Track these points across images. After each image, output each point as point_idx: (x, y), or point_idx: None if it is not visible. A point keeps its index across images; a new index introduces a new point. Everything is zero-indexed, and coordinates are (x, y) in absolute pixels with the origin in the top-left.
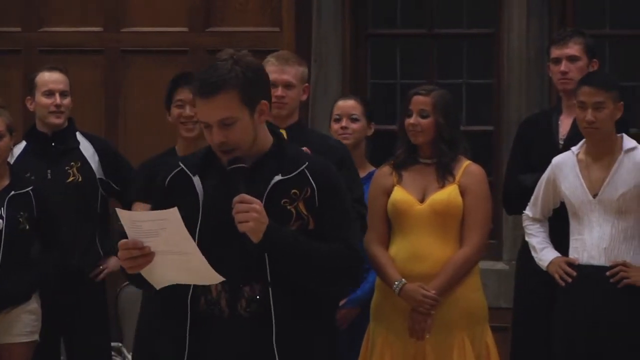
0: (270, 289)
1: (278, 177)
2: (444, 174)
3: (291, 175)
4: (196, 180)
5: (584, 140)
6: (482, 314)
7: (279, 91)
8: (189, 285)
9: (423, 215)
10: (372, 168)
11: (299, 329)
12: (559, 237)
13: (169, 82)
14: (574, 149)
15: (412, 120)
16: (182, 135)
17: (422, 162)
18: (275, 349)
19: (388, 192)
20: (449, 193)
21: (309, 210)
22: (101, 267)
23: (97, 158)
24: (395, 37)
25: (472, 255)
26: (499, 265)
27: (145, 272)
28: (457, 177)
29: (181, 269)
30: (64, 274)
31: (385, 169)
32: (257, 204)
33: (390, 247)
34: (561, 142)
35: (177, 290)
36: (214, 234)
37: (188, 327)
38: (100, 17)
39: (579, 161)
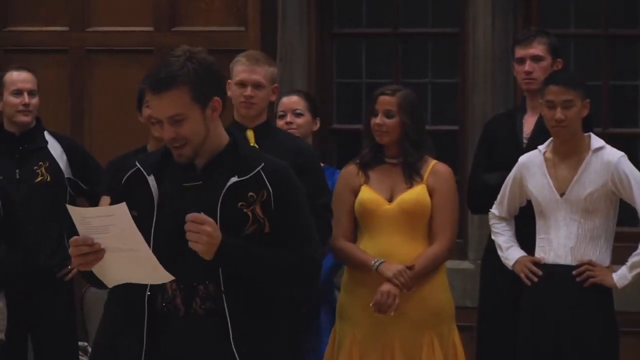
0: (222, 289)
1: (234, 179)
2: (411, 174)
3: (247, 176)
4: (151, 180)
5: (551, 139)
6: (449, 313)
7: (248, 91)
8: (146, 284)
9: (391, 215)
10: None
11: (254, 328)
12: (525, 235)
13: (141, 83)
14: (541, 147)
15: (377, 120)
16: (154, 135)
17: (388, 161)
18: (233, 346)
19: (355, 192)
20: (418, 193)
21: (265, 213)
22: (69, 267)
23: (65, 157)
24: (360, 37)
25: (441, 252)
26: (465, 265)
27: (96, 270)
28: (425, 177)
29: (131, 266)
30: (31, 274)
31: (352, 168)
32: (209, 225)
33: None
34: (525, 141)
35: (135, 289)
36: (168, 234)
37: (146, 326)
38: (65, 16)
39: (546, 160)
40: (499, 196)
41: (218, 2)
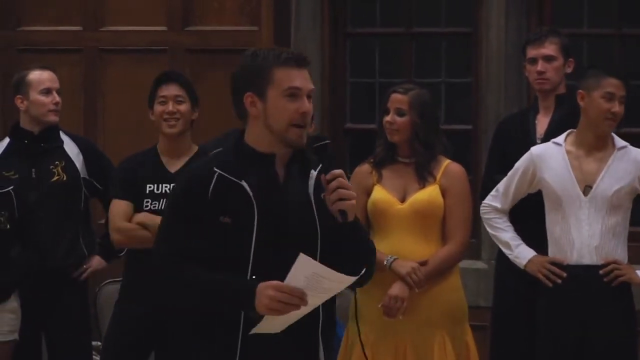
0: None
1: (314, 172)
2: (424, 174)
3: (318, 169)
4: (244, 185)
5: (567, 132)
6: (462, 313)
7: None
8: None
9: (404, 215)
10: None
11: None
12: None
13: (153, 82)
14: (557, 140)
15: (388, 118)
16: (164, 132)
17: (401, 161)
18: (320, 342)
19: (368, 191)
20: (430, 193)
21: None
22: (85, 266)
23: (81, 157)
24: (374, 36)
25: (455, 252)
26: (478, 264)
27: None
28: (438, 177)
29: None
30: (45, 273)
31: (365, 168)
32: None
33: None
34: (538, 141)
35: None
36: (269, 240)
37: (241, 335)
38: (79, 16)
39: (568, 152)
40: (501, 188)
41: (231, 2)
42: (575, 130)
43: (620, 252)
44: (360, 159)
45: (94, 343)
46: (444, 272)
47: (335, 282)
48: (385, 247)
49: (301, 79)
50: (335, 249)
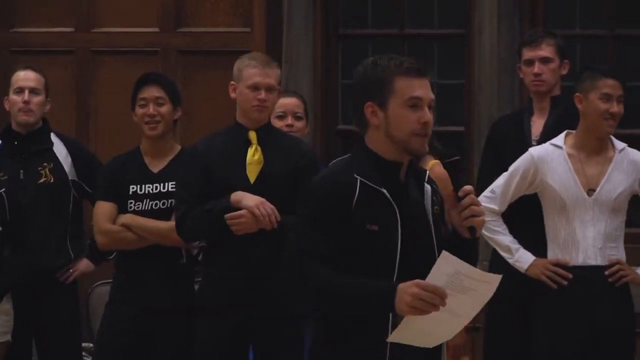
0: None
1: (427, 186)
2: None
3: (426, 182)
4: (385, 192)
5: (565, 134)
6: None
7: (262, 94)
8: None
9: None
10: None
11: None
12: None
13: (134, 83)
14: (556, 142)
15: None
16: (146, 134)
17: None
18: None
19: None
20: None
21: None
22: (71, 269)
23: (70, 160)
24: (366, 37)
25: None
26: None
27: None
28: None
29: (444, 328)
30: (35, 275)
31: None
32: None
33: None
34: (534, 143)
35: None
36: (410, 248)
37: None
38: (71, 17)
39: (570, 156)
40: (498, 190)
41: (223, 3)
42: (572, 131)
43: (621, 254)
44: None
45: (85, 344)
46: None
47: (478, 281)
48: None
49: (422, 88)
50: None
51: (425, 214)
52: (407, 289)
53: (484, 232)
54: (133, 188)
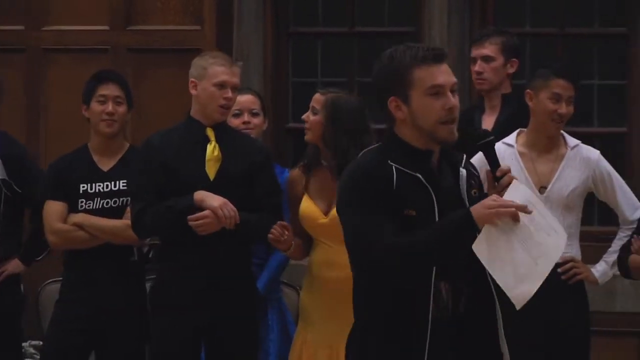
0: (493, 289)
1: (462, 169)
2: None
3: (463, 166)
4: (420, 177)
5: (517, 132)
6: None
7: (229, 93)
8: (429, 291)
9: (328, 228)
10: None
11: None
12: None
13: (90, 78)
14: (508, 140)
15: (304, 115)
16: (102, 131)
17: (323, 163)
18: (501, 345)
19: (299, 200)
20: None
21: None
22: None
23: None
24: (316, 35)
25: None
26: None
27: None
28: None
29: (523, 266)
30: None
31: (296, 173)
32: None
33: (311, 252)
34: None
35: (416, 298)
36: None
37: (429, 333)
38: (21, 15)
39: (521, 154)
40: None
41: (174, 1)
42: (524, 129)
43: (575, 252)
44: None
45: (35, 342)
46: None
47: (549, 223)
48: (321, 255)
49: (442, 74)
50: None
51: (460, 198)
52: (482, 203)
53: None
54: (83, 187)
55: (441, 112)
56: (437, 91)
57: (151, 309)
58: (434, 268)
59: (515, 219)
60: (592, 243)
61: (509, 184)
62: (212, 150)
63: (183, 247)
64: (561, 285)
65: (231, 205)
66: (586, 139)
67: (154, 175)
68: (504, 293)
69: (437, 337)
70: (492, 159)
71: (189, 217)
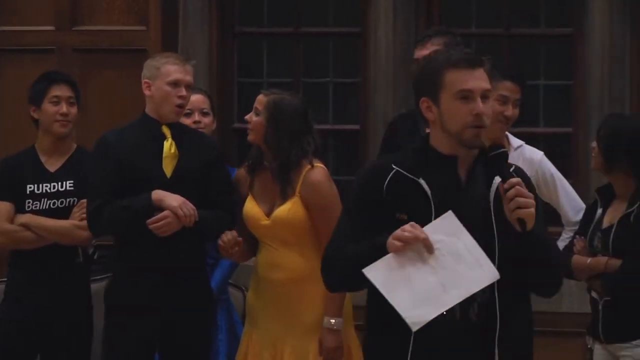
0: (496, 293)
1: (498, 180)
2: (283, 186)
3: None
4: (422, 182)
5: None
6: (345, 316)
7: (183, 91)
8: None
9: (270, 231)
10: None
11: (519, 345)
12: None
13: (40, 78)
14: None
15: (248, 115)
16: (56, 132)
17: (266, 164)
18: (496, 354)
19: (244, 200)
20: (289, 209)
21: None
22: None
23: None
24: (262, 36)
25: None
26: None
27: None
28: (298, 188)
29: (429, 291)
30: None
31: (241, 173)
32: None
33: (257, 253)
34: None
35: None
36: None
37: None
38: None
39: None
40: None
41: (119, 1)
42: None
43: None
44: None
45: None
46: None
47: (474, 258)
48: (266, 257)
49: (473, 79)
50: (522, 264)
51: (485, 209)
52: (395, 231)
53: None
54: (30, 187)
55: (468, 117)
56: (466, 95)
57: (106, 309)
58: None
59: (429, 250)
60: None
61: (515, 196)
62: (168, 147)
63: (139, 246)
64: None
65: (190, 204)
66: (532, 140)
67: (109, 172)
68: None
69: (439, 341)
70: (503, 172)
71: (149, 221)
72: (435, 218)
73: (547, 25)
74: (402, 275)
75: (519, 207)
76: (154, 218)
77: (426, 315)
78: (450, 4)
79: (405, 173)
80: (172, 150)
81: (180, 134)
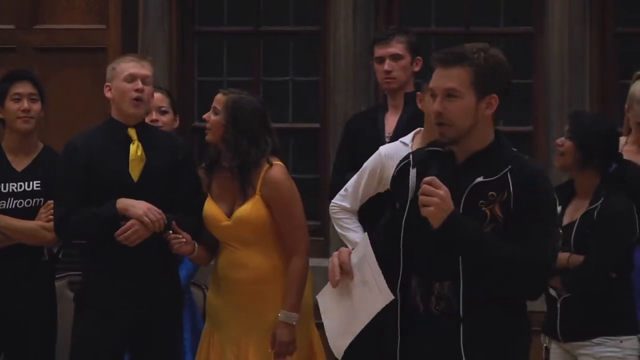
0: (461, 287)
1: (480, 179)
2: (244, 185)
3: (493, 178)
4: (412, 172)
5: (414, 132)
6: (307, 312)
7: (139, 84)
8: (397, 279)
9: (232, 231)
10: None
11: (487, 336)
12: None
13: (3, 78)
14: (405, 140)
15: (205, 115)
16: (19, 128)
17: (224, 164)
18: (462, 350)
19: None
20: (251, 208)
21: (504, 213)
22: None
23: None
24: (221, 35)
25: (303, 263)
26: (326, 262)
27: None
28: (258, 187)
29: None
30: None
31: (200, 173)
32: (443, 190)
33: (217, 254)
34: (387, 139)
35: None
36: (416, 228)
37: (399, 324)
38: None
39: None
40: (350, 188)
41: (79, 0)
42: (422, 128)
43: None
44: None
45: None
46: (304, 284)
47: (375, 281)
48: (225, 255)
49: (436, 78)
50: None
51: (457, 203)
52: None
53: (337, 229)
54: None
55: (434, 115)
56: (432, 93)
57: (76, 309)
58: (401, 261)
59: (349, 277)
60: None
61: (422, 194)
62: (135, 150)
63: (108, 249)
64: None
65: (155, 210)
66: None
67: (76, 180)
68: None
69: (411, 332)
70: (427, 168)
71: (116, 233)
72: (408, 209)
73: (506, 23)
74: (332, 302)
75: (424, 205)
76: (121, 229)
77: (343, 345)
78: (410, 3)
79: (408, 162)
80: (139, 153)
81: (148, 135)
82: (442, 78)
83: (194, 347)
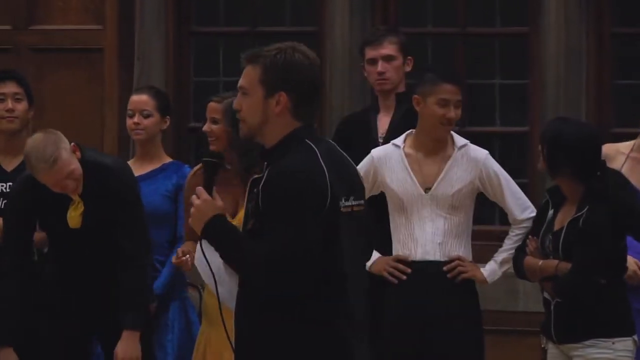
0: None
1: (255, 175)
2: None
3: (263, 175)
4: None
5: (406, 133)
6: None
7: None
8: None
9: None
10: (168, 159)
11: (251, 333)
12: None
13: None
14: (397, 142)
15: (205, 127)
16: (4, 128)
17: (227, 167)
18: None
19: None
20: None
21: (254, 211)
22: None
23: None
24: (218, 35)
25: None
26: None
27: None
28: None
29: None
30: None
31: (193, 181)
32: (201, 200)
33: None
34: (380, 140)
35: None
36: None
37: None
38: None
39: (407, 155)
40: None
41: (76, 1)
42: (414, 130)
43: (464, 251)
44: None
45: None
46: None
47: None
48: None
49: (242, 75)
50: None
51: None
52: None
53: None
54: None
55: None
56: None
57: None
58: None
59: None
60: (494, 242)
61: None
62: (75, 207)
63: (58, 263)
64: (444, 283)
65: None
66: (488, 139)
67: (17, 222)
68: None
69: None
70: (208, 178)
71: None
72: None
73: (502, 23)
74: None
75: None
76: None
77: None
78: (406, 3)
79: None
80: (79, 211)
81: (85, 185)
82: (242, 78)
83: (181, 349)
